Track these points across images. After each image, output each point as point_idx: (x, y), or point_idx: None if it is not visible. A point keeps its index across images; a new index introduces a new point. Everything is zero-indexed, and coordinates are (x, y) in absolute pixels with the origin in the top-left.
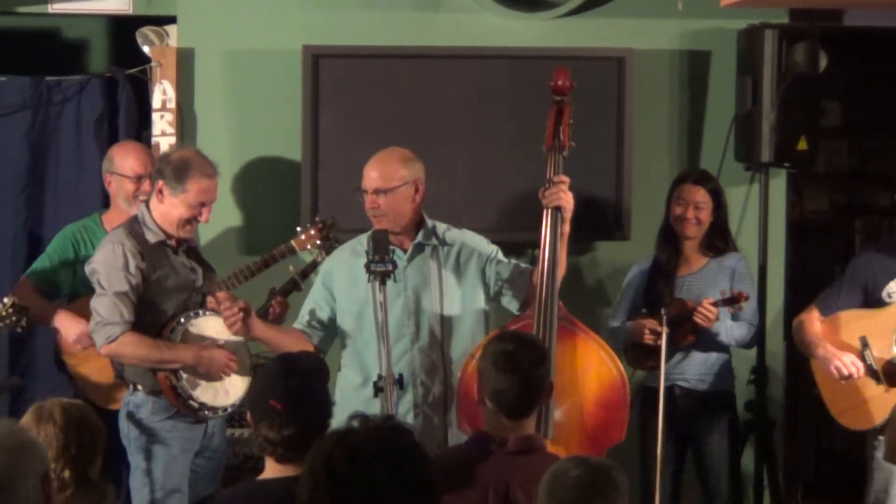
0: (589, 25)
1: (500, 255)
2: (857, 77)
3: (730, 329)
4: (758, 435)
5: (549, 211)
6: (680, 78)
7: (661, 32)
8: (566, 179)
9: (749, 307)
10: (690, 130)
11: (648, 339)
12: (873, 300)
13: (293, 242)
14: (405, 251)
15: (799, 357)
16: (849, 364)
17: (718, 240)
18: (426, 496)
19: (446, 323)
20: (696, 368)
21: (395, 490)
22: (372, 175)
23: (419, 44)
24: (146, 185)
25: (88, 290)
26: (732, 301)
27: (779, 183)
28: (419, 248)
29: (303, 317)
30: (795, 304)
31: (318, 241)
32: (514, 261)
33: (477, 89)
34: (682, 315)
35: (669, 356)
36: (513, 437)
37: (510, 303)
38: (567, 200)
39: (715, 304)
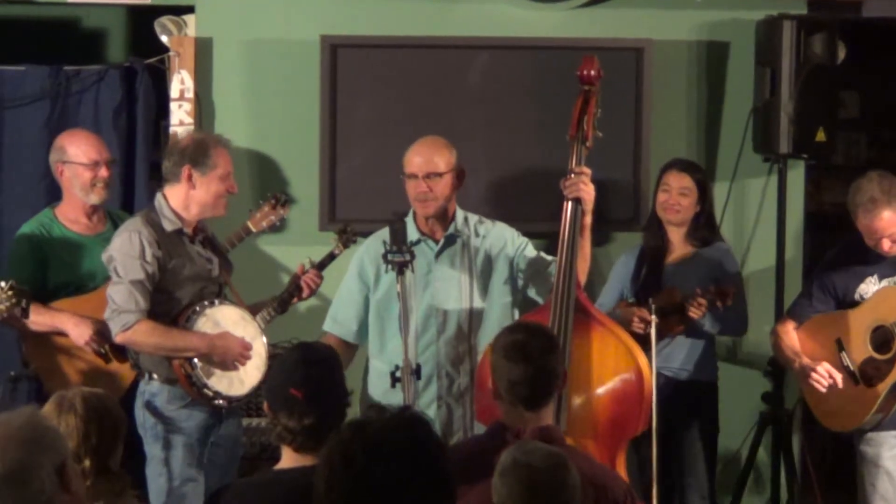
0: (607, 16)
1: (530, 248)
2: (875, 68)
3: (716, 319)
4: (775, 427)
5: (570, 202)
6: (698, 69)
7: (680, 23)
8: (587, 171)
9: (735, 299)
10: (708, 121)
11: (638, 327)
12: (847, 303)
13: (249, 223)
14: (437, 241)
15: None
16: (825, 375)
17: (705, 230)
18: (442, 486)
19: (475, 315)
20: (679, 356)
21: (411, 481)
22: (433, 160)
23: (438, 34)
24: (103, 171)
25: (70, 289)
26: (720, 295)
27: (797, 174)
28: (451, 240)
29: (337, 314)
30: None
31: (273, 218)
32: (542, 253)
33: (496, 80)
34: (672, 305)
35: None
36: (530, 428)
37: (537, 294)
38: (588, 192)
39: (703, 296)
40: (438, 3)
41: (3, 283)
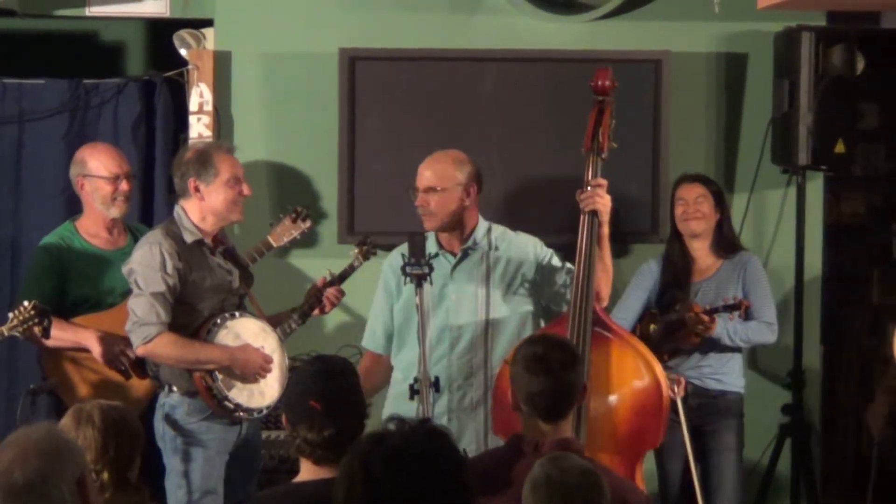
0: (625, 28)
1: (555, 259)
2: (894, 79)
3: (734, 332)
4: (794, 439)
5: (586, 215)
6: (717, 80)
7: (698, 35)
8: (603, 182)
9: (764, 306)
10: (727, 133)
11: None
12: None
13: (269, 238)
14: (455, 255)
15: (836, 360)
16: None
17: (728, 240)
18: (461, 498)
19: (490, 329)
20: (711, 368)
21: (430, 492)
22: (426, 174)
23: (456, 46)
24: (123, 185)
25: (90, 304)
26: (732, 308)
27: (816, 186)
28: (467, 253)
29: (372, 329)
30: (832, 306)
31: (294, 232)
32: (567, 264)
33: (513, 92)
34: (678, 322)
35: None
36: (548, 441)
37: (563, 307)
38: (604, 204)
39: (713, 311)
40: (456, 16)
41: (26, 303)
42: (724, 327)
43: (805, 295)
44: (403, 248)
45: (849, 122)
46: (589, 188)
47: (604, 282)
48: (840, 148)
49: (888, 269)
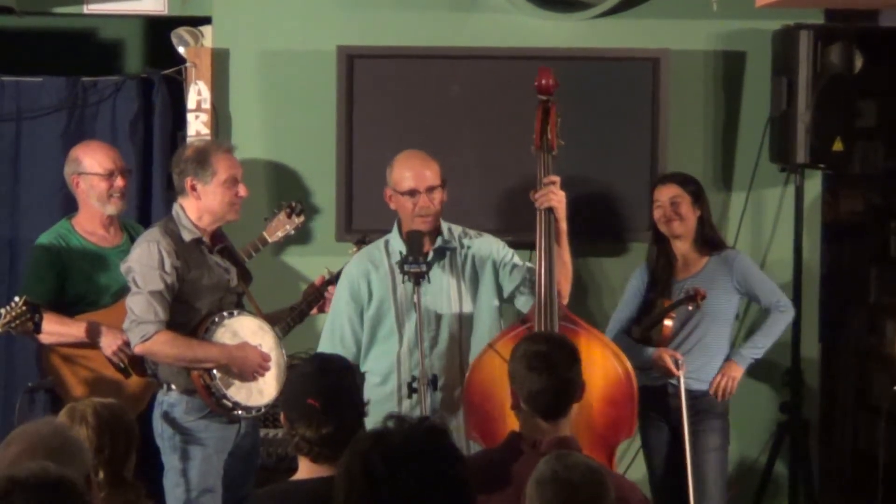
0: (623, 26)
1: (516, 259)
2: (892, 77)
3: (756, 348)
4: (792, 437)
5: (542, 212)
6: (715, 79)
7: (696, 33)
8: (556, 179)
9: (769, 291)
10: (725, 131)
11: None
12: None
13: (264, 233)
14: (426, 255)
15: (834, 358)
16: None
17: (710, 236)
18: (461, 496)
19: (465, 326)
20: (692, 368)
21: (430, 491)
22: (426, 174)
23: (454, 44)
24: (118, 181)
25: (88, 301)
26: (690, 300)
27: (814, 184)
28: (440, 252)
29: (342, 339)
30: (830, 305)
31: (289, 227)
32: (528, 263)
33: (512, 90)
34: (656, 318)
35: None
36: (547, 440)
37: (524, 305)
38: (558, 200)
39: (676, 305)
40: (454, 14)
41: (17, 299)
42: (745, 359)
43: (803, 293)
44: (364, 253)
45: (847, 121)
46: (542, 186)
47: (564, 278)
48: (838, 146)
49: (886, 268)
